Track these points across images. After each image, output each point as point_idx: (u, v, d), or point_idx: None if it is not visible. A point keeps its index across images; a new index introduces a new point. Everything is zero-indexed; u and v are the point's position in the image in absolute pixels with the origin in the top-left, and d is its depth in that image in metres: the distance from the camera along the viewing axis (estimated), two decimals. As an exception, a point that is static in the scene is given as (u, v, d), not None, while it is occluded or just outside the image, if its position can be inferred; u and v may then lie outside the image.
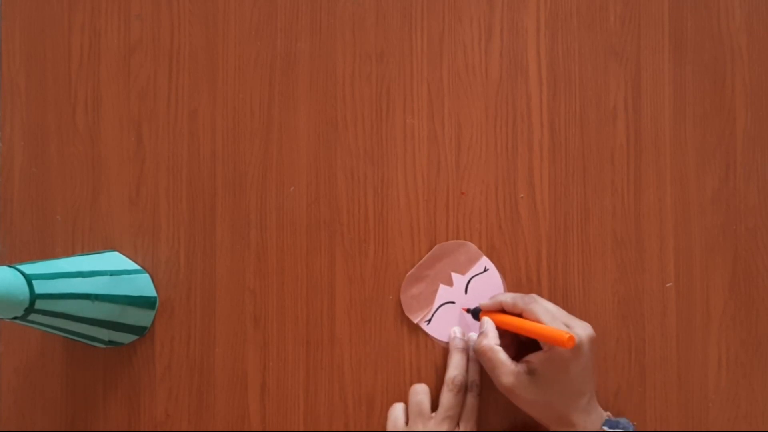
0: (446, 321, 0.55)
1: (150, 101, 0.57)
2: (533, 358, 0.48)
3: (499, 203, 0.55)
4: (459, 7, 0.56)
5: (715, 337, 0.55)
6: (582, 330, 0.48)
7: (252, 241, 0.56)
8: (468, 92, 0.56)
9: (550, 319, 0.48)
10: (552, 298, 0.54)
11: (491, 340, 0.50)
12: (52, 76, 0.58)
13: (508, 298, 0.51)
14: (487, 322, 0.51)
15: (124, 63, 0.57)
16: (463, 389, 0.52)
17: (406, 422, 0.53)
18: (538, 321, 0.48)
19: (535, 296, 0.51)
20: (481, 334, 0.51)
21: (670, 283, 0.55)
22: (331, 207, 0.56)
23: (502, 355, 0.49)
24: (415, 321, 0.55)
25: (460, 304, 0.55)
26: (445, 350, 0.55)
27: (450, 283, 0.55)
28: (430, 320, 0.55)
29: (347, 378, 0.55)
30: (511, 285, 0.55)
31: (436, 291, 0.55)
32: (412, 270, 0.55)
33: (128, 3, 0.57)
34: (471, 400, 0.52)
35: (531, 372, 0.48)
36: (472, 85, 0.56)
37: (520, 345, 0.52)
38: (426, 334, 0.55)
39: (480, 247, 0.55)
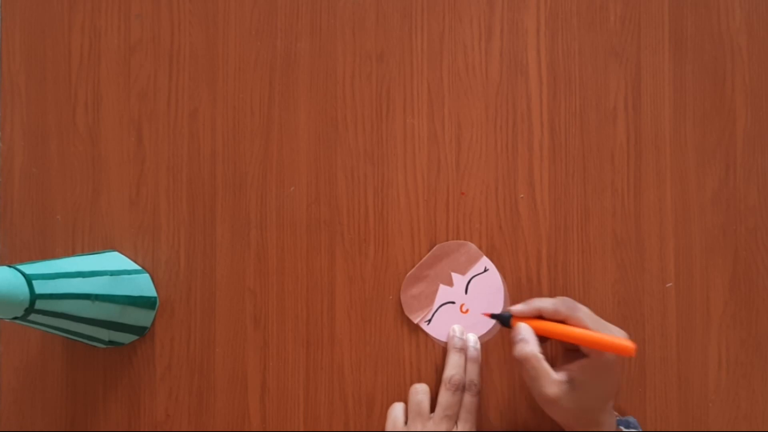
0: (446, 321, 0.55)
1: (150, 101, 0.57)
2: (573, 366, 0.47)
3: (499, 203, 0.55)
4: (459, 7, 0.56)
5: (715, 337, 0.55)
6: (622, 334, 0.48)
7: (252, 241, 0.56)
8: (468, 92, 0.56)
9: (594, 324, 0.47)
10: (552, 298, 0.54)
11: (534, 347, 0.48)
12: (52, 76, 0.58)
13: (548, 304, 0.49)
14: (526, 329, 0.49)
15: (124, 63, 0.57)
16: (461, 388, 0.52)
17: (406, 422, 0.53)
18: (585, 329, 0.47)
19: (572, 301, 0.49)
20: (521, 341, 0.48)
21: (670, 283, 0.55)
22: (331, 207, 0.56)
23: (545, 364, 0.47)
24: (415, 321, 0.55)
25: (460, 304, 0.55)
26: (445, 350, 0.55)
27: (450, 283, 0.55)
28: (430, 320, 0.55)
29: (347, 378, 0.55)
30: (511, 285, 0.55)
31: (436, 291, 0.55)
32: (412, 270, 0.55)
33: (128, 3, 0.57)
34: (469, 399, 0.52)
35: (571, 380, 0.47)
36: (472, 85, 0.56)
37: None
38: (426, 334, 0.55)
39: (480, 247, 0.55)
